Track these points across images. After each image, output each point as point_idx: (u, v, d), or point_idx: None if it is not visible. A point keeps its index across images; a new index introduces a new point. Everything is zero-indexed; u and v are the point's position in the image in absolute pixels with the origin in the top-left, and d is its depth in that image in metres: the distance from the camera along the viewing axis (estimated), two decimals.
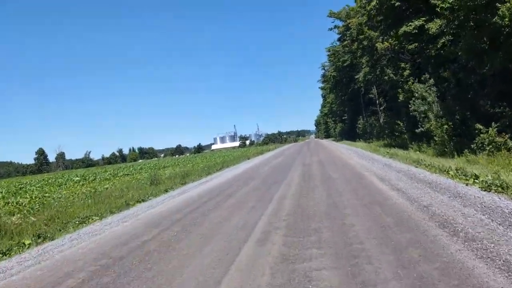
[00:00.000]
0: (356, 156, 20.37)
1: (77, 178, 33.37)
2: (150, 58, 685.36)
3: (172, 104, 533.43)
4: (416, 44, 25.33)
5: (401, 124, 27.14)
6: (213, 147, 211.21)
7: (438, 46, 16.62)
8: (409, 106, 18.87)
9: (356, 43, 32.80)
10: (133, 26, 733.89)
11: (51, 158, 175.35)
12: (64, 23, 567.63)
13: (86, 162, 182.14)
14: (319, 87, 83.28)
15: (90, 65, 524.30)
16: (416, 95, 17.69)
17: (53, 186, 27.07)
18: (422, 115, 17.38)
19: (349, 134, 58.51)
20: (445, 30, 16.07)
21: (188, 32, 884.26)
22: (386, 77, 29.86)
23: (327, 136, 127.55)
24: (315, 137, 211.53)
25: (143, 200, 12.57)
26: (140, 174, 28.40)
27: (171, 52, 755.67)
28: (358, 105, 48.39)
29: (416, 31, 17.49)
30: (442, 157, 14.77)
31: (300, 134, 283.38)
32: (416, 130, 17.81)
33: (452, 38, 16.39)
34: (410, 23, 17.88)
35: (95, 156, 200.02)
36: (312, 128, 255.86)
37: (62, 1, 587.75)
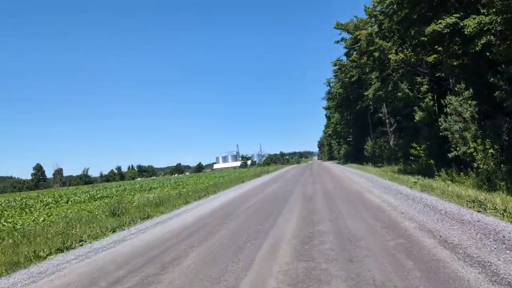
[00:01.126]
0: (374, 186, 16.23)
1: (49, 200, 29.54)
2: (156, 77, 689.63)
3: (176, 122, 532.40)
4: (436, 55, 21.97)
5: (418, 147, 23.34)
6: (215, 166, 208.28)
7: (477, 49, 12.92)
8: (439, 124, 15.10)
9: (365, 56, 29.33)
10: (130, 43, 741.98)
11: (49, 174, 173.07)
12: (68, 37, 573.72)
13: (84, 179, 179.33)
14: (323, 107, 79.67)
15: (92, 81, 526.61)
16: (449, 110, 13.92)
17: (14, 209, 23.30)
18: (456, 136, 13.56)
19: (355, 157, 54.56)
20: (489, 27, 12.48)
21: (191, 51, 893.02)
22: (399, 94, 26.22)
23: (331, 158, 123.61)
24: (318, 159, 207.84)
25: (68, 248, 8.68)
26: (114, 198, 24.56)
27: (176, 72, 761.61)
28: (365, 125, 44.65)
29: (448, 30, 13.80)
30: (486, 191, 10.96)
31: (303, 156, 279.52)
32: (449, 155, 13.94)
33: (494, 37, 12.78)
34: (440, 21, 14.23)
35: (94, 173, 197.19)
36: (315, 149, 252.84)
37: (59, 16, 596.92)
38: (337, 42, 38.47)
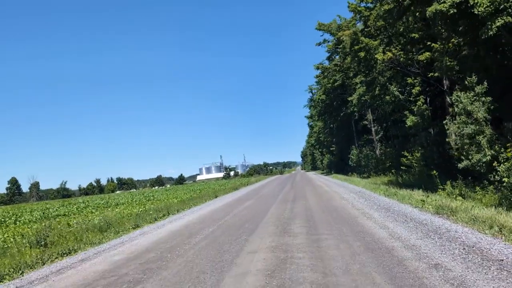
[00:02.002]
0: (369, 205, 12.87)
1: None
2: (139, 85, 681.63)
3: (158, 133, 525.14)
4: (429, 54, 19.66)
5: (410, 156, 20.78)
6: (198, 177, 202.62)
7: (491, 33, 10.33)
8: (440, 128, 12.45)
9: (349, 57, 26.86)
10: (109, 49, 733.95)
11: (25, 188, 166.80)
12: (38, 45, 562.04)
13: (62, 193, 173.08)
14: (305, 116, 77.56)
15: (69, 91, 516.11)
16: (457, 109, 11.25)
17: None
18: (466, 141, 10.88)
19: (339, 167, 52.09)
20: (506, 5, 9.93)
21: (174, 60, 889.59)
22: (388, 97, 23.76)
23: (314, 168, 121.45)
24: (301, 169, 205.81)
25: None
26: (67, 218, 21.16)
27: (159, 81, 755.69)
28: (349, 134, 42.21)
29: (454, 10, 11.20)
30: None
31: (287, 166, 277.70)
32: (459, 164, 11.21)
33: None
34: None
35: (73, 186, 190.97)
36: (299, 159, 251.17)
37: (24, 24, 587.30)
38: (319, 44, 36.03)
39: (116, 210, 22.85)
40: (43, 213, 27.33)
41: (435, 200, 10.53)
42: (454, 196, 11.25)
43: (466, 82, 11.11)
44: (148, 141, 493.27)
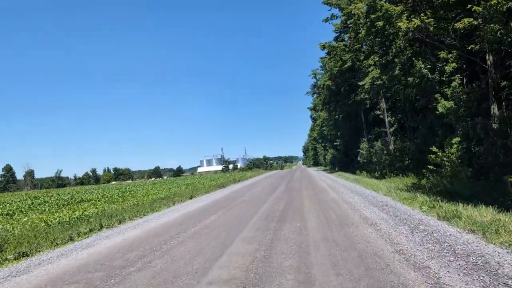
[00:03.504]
0: (422, 243, 7.12)
1: None
2: (142, 77, 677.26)
3: (158, 125, 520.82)
4: (469, 19, 15.09)
5: (441, 152, 15.96)
6: (199, 169, 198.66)
7: None
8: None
9: (363, 29, 21.88)
10: (113, 41, 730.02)
11: (20, 175, 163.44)
12: (41, 35, 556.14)
13: (56, 182, 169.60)
14: (308, 107, 72.19)
15: (71, 79, 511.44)
16: None
17: None
18: None
19: (343, 163, 47.20)
20: None
21: (181, 55, 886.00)
22: (411, 78, 18.84)
23: (316, 163, 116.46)
24: (303, 164, 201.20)
25: None
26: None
27: (161, 76, 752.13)
28: (357, 126, 37.22)
29: None
30: None
31: (288, 160, 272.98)
32: None
33: None
34: None
35: (69, 175, 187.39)
36: (300, 154, 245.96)
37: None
38: (326, 20, 30.87)
39: (63, 212, 18.17)
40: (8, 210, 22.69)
41: None
42: None
43: None
44: (148, 132, 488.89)
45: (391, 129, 29.51)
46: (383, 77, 24.14)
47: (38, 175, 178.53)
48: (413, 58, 18.45)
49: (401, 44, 20.15)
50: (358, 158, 31.73)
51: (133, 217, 14.03)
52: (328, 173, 47.05)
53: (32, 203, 26.07)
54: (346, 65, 29.72)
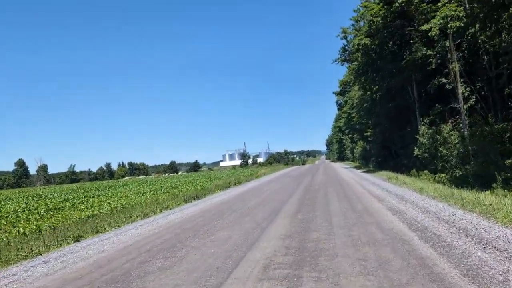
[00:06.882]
0: None
1: None
2: (162, 73, 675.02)
3: (177, 121, 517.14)
4: None
5: None
6: (221, 164, 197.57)
7: None
8: None
9: None
10: (127, 38, 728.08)
11: (33, 170, 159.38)
12: (59, 35, 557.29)
13: (70, 177, 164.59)
14: (333, 92, 61.21)
15: (83, 74, 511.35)
16: None
17: None
18: None
19: (382, 158, 36.73)
20: None
21: (193, 47, 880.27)
22: None
23: (341, 158, 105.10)
24: (326, 158, 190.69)
25: None
26: None
27: (189, 71, 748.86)
28: (403, 105, 26.72)
29: None
30: None
31: (310, 155, 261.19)
32: None
33: None
34: None
35: (82, 169, 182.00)
36: (323, 148, 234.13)
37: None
38: None
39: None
40: None
41: None
42: None
43: None
44: (166, 128, 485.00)
45: (466, 105, 19.06)
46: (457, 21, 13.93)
47: (51, 170, 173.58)
48: None
49: None
50: (415, 152, 20.63)
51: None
52: (363, 171, 34.53)
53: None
54: (394, 6, 19.08)
